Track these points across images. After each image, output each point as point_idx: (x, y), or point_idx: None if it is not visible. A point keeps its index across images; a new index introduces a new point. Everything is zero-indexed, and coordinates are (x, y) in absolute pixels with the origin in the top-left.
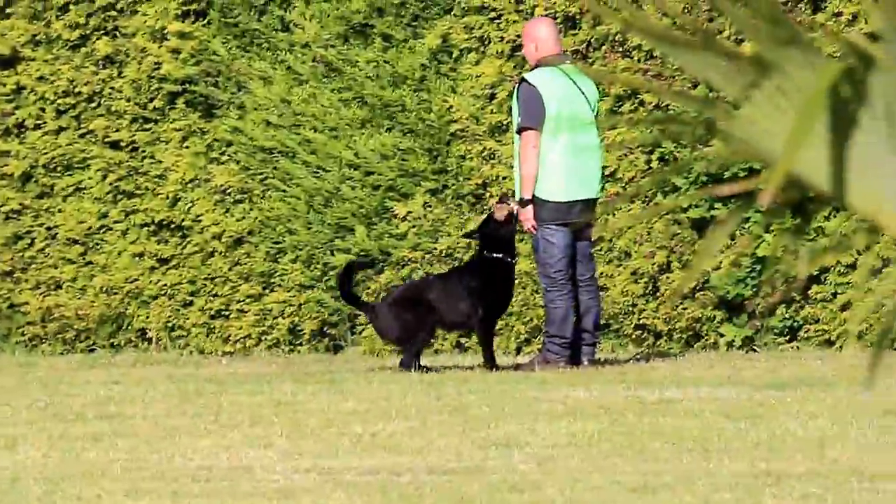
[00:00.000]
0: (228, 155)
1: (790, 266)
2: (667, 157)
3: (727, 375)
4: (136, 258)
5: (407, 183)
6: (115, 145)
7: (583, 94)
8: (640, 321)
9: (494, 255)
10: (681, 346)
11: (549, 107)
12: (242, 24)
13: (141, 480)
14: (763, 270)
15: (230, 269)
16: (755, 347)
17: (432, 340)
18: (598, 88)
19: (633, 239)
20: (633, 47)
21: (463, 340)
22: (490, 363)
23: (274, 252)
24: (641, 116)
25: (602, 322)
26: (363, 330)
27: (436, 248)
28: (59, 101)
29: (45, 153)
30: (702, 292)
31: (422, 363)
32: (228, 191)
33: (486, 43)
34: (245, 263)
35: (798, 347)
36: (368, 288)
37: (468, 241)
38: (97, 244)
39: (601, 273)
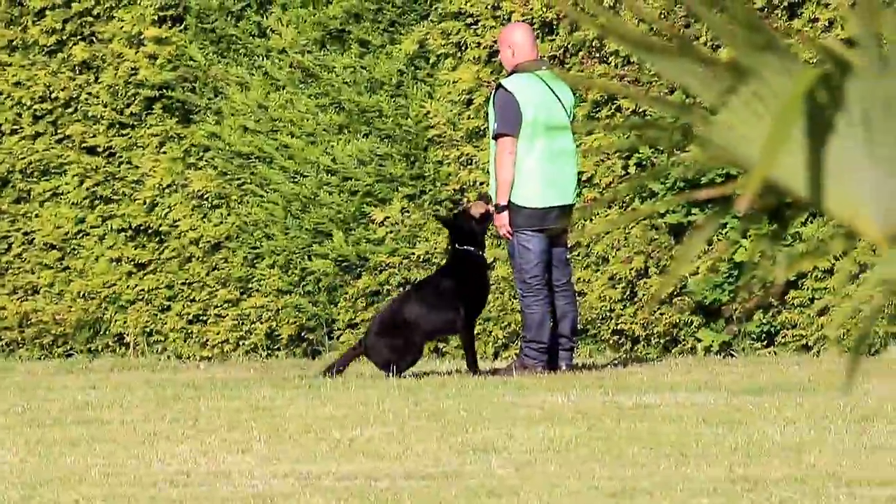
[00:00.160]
0: (206, 160)
1: (767, 271)
2: (644, 162)
3: (705, 381)
4: (114, 263)
5: (384, 188)
6: (91, 151)
7: (559, 99)
8: (618, 326)
9: (466, 247)
10: (658, 352)
11: (526, 112)
12: (219, 29)
13: (119, 485)
14: (740, 276)
15: (208, 275)
16: (732, 353)
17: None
18: (574, 94)
19: (610, 244)
20: (611, 53)
21: (440, 346)
22: (474, 367)
23: (251, 257)
24: (618, 122)
25: (579, 327)
26: (341, 335)
27: (413, 254)
28: (36, 106)
29: (22, 158)
30: (679, 297)
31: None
32: (206, 196)
33: (463, 49)
34: (223, 268)
35: (775, 353)
36: (346, 293)
37: (444, 243)
38: (74, 249)
39: (579, 278)
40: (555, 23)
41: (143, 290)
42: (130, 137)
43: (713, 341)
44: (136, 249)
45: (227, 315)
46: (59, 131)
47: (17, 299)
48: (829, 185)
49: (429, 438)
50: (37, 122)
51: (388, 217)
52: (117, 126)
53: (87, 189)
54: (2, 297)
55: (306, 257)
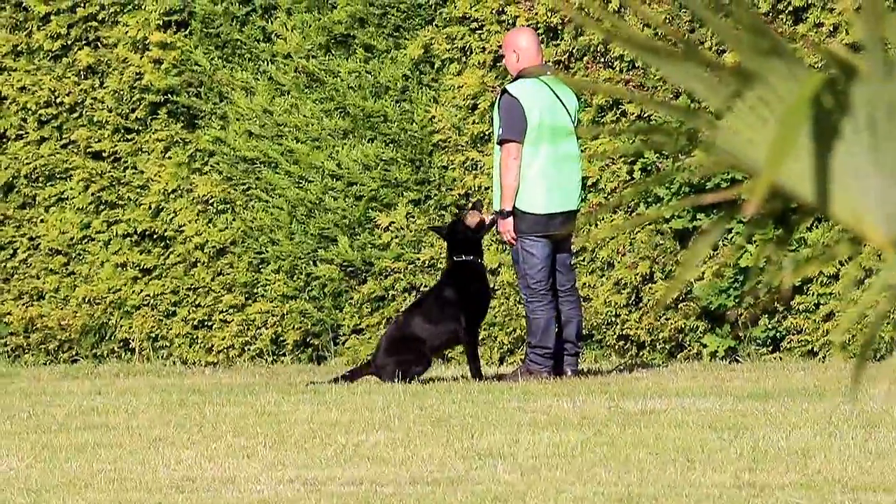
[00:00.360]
0: (211, 165)
1: (773, 276)
2: (649, 167)
3: (710, 386)
4: (119, 268)
5: (389, 193)
6: (97, 156)
7: (563, 104)
8: (623, 332)
9: (464, 257)
10: (664, 357)
11: (531, 117)
12: (224, 34)
13: (124, 491)
14: (746, 281)
15: (213, 280)
16: (738, 358)
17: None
18: (579, 99)
19: (615, 249)
20: (615, 58)
21: (446, 352)
22: (478, 375)
23: (257, 262)
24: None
25: (585, 333)
26: (346, 340)
27: (418, 259)
28: (41, 111)
29: (28, 163)
30: (684, 303)
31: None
32: (211, 201)
33: (467, 53)
34: (228, 274)
35: (781, 358)
36: (352, 298)
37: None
38: (80, 254)
39: (584, 284)
40: (559, 27)
41: (148, 295)
42: (135, 142)
43: (719, 347)
44: (141, 255)
45: (233, 320)
46: (64, 136)
47: (23, 304)
48: (834, 190)
49: (434, 444)
50: (42, 127)
51: (394, 222)
52: (122, 131)
53: (93, 194)
54: (7, 302)
55: (311, 262)
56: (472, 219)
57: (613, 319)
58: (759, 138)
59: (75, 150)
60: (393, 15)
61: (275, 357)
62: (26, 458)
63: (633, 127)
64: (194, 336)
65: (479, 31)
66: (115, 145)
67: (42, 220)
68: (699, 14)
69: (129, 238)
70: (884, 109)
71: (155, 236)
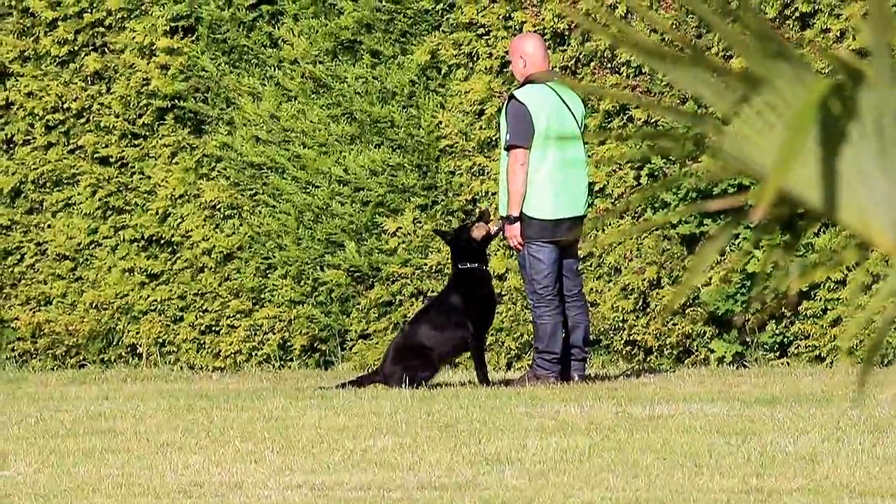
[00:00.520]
0: (218, 171)
1: (780, 282)
2: (656, 172)
3: (718, 391)
4: (126, 274)
5: (396, 199)
6: (104, 161)
7: (570, 110)
8: (631, 337)
9: (469, 264)
10: (671, 362)
11: (538, 123)
12: (231, 40)
13: (132, 496)
14: (753, 286)
15: (220, 285)
16: (745, 363)
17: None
18: (586, 104)
19: (622, 255)
20: (622, 63)
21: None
22: (484, 381)
23: (264, 268)
24: (630, 132)
25: (592, 338)
26: (353, 346)
27: (426, 264)
28: (48, 116)
29: (35, 169)
30: (692, 308)
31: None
32: (218, 206)
33: (474, 59)
34: (235, 279)
35: (788, 363)
36: (359, 304)
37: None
38: (87, 260)
39: (591, 289)
40: (566, 33)
41: (155, 300)
42: (143, 148)
43: (726, 352)
44: (148, 260)
45: (240, 326)
46: (71, 142)
47: (30, 310)
48: (841, 196)
49: (442, 449)
50: (49, 133)
51: (401, 227)
52: (129, 136)
53: (100, 199)
54: (15, 307)
55: (318, 268)
56: (478, 232)
57: (621, 325)
58: (767, 143)
59: (82, 156)
60: (400, 21)
61: (282, 362)
62: (34, 463)
63: (640, 132)
64: (202, 341)
65: (486, 37)
66: (123, 151)
67: (49, 226)
68: (706, 19)
69: (136, 243)
70: (891, 115)
71: (162, 241)
